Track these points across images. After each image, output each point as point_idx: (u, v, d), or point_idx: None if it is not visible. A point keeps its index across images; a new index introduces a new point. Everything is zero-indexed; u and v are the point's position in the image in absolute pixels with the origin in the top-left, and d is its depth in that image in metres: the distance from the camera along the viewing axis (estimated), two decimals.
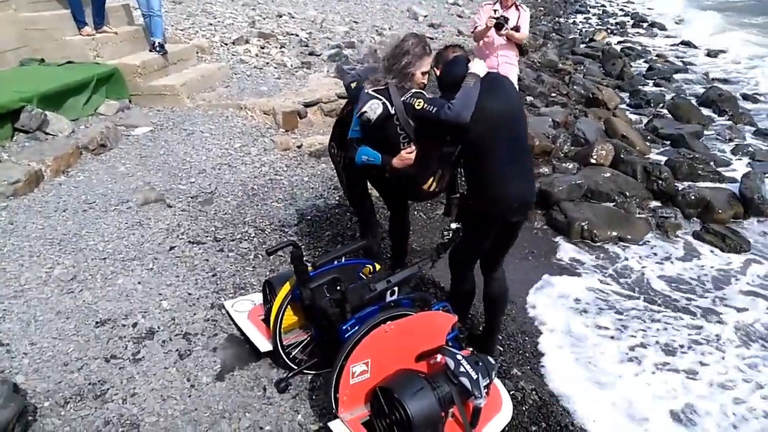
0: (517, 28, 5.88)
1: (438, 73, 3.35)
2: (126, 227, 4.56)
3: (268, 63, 8.92)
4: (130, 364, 3.22)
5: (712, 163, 7.72)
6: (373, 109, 3.24)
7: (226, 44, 9.39)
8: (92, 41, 7.04)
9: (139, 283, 3.92)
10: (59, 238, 4.31)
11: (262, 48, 9.52)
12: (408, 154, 3.27)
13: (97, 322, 3.52)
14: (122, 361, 3.25)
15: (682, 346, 4.36)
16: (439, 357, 2.87)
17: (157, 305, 3.72)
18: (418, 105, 3.13)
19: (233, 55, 9.05)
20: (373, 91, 3.30)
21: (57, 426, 2.80)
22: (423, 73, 3.32)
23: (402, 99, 3.23)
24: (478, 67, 3.11)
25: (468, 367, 2.72)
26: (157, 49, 7.38)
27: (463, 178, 3.37)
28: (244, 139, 6.44)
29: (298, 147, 6.50)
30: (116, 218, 4.67)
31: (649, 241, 5.95)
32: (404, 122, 3.25)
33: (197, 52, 8.51)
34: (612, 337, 4.43)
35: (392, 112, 3.24)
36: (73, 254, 4.15)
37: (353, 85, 3.53)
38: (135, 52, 7.48)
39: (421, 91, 3.28)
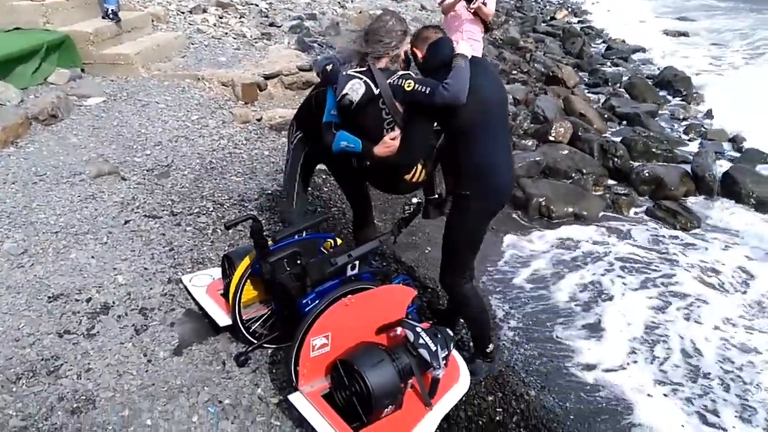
0: (485, 3, 5.86)
1: (420, 55, 3.09)
2: (79, 200, 4.43)
3: (226, 33, 8.71)
4: (84, 340, 3.15)
5: (666, 142, 7.91)
6: (355, 89, 2.99)
7: (183, 13, 9.13)
8: (41, 7, 6.74)
9: (92, 257, 3.82)
10: (8, 211, 4.17)
11: (221, 18, 9.29)
12: (392, 141, 3.04)
13: (49, 297, 3.43)
14: (76, 336, 3.17)
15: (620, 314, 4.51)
16: (399, 330, 2.89)
17: (112, 280, 3.64)
18: (408, 86, 2.84)
19: (190, 24, 8.80)
20: (352, 72, 3.06)
21: (8, 402, 2.73)
22: (404, 53, 3.16)
23: (388, 81, 2.99)
24: (464, 48, 2.97)
25: (427, 339, 2.76)
26: (111, 16, 7.12)
27: (442, 177, 3.28)
28: (201, 111, 6.30)
29: (258, 120, 6.39)
30: (68, 191, 4.53)
31: (603, 217, 6.09)
32: (390, 105, 3.03)
33: (152, 21, 8.24)
34: (568, 312, 4.54)
35: (376, 93, 3.02)
36: (24, 228, 4.02)
37: (329, 67, 3.19)
38: (87, 19, 7.20)
39: (409, 72, 3.09)
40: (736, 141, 8.36)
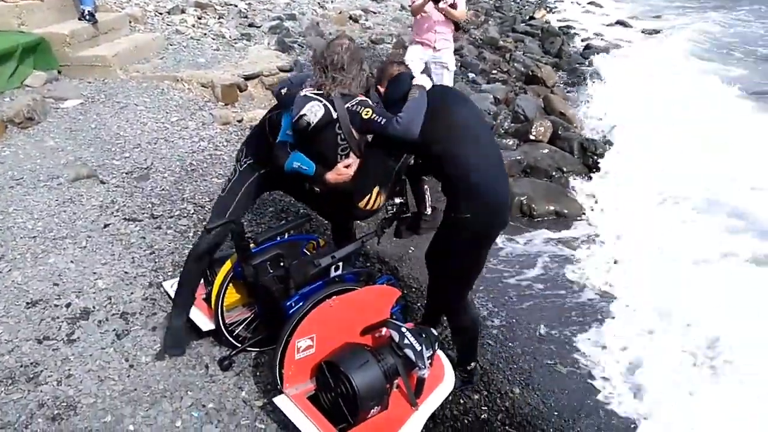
0: (454, 5, 5.86)
1: (382, 90, 3.09)
2: (57, 204, 4.36)
3: (205, 34, 8.62)
4: (64, 345, 3.11)
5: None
6: (314, 111, 2.85)
7: (161, 14, 9.02)
8: (15, 8, 6.60)
9: (72, 262, 3.77)
10: None
11: (199, 18, 9.19)
12: (345, 168, 2.95)
13: (28, 303, 3.37)
14: (56, 342, 3.13)
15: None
16: (383, 330, 2.90)
17: (92, 285, 3.59)
18: (365, 114, 2.83)
19: (168, 25, 8.70)
20: (311, 94, 2.94)
21: None
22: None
23: (346, 106, 2.89)
24: (423, 80, 2.97)
25: (412, 339, 2.76)
26: (87, 17, 7.00)
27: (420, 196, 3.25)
28: (181, 113, 6.24)
29: (239, 121, 6.34)
30: (46, 195, 4.46)
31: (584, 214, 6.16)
32: (347, 131, 2.90)
33: (130, 22, 8.13)
34: (553, 309, 4.57)
35: (334, 117, 2.88)
36: (0, 233, 3.95)
37: (284, 91, 3.09)
38: (63, 20, 7.06)
39: (367, 99, 3.01)
40: None
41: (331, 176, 2.95)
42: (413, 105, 2.82)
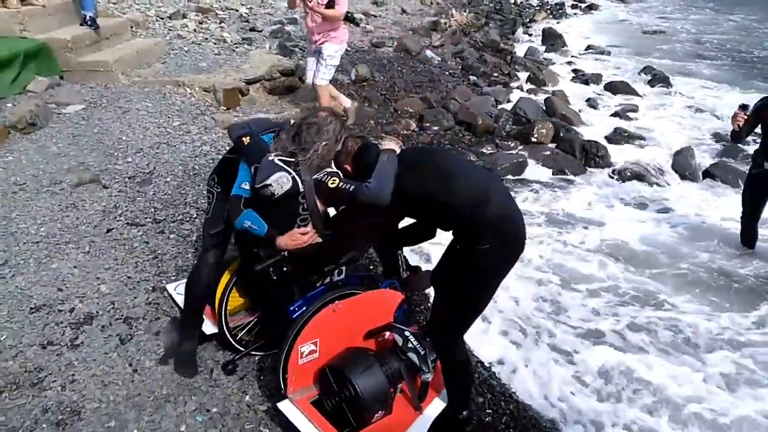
0: (331, 4, 5.78)
1: (350, 169, 2.94)
2: (59, 209, 4.37)
3: (207, 39, 8.66)
4: (68, 351, 3.11)
5: (647, 139, 8.01)
6: (281, 183, 2.75)
7: (162, 18, 9.06)
8: (18, 14, 6.64)
9: (75, 267, 3.77)
10: None
11: (201, 23, 9.23)
12: (301, 235, 2.82)
13: (31, 308, 3.37)
14: (60, 347, 3.13)
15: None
16: (387, 334, 2.90)
17: (95, 290, 3.59)
18: (332, 184, 2.74)
19: (170, 30, 8.74)
20: (279, 161, 2.81)
21: None
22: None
23: (314, 177, 2.82)
24: (390, 144, 2.87)
25: (416, 343, 2.76)
26: (89, 23, 7.04)
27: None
28: (183, 117, 6.25)
29: None
30: (49, 200, 4.47)
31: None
32: (311, 203, 2.82)
33: (131, 27, 8.16)
34: (558, 311, 4.57)
35: (301, 189, 2.80)
36: (4, 238, 3.96)
37: (245, 140, 2.94)
38: (65, 26, 7.11)
39: (336, 170, 2.92)
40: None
41: (283, 241, 2.81)
42: (382, 169, 2.70)
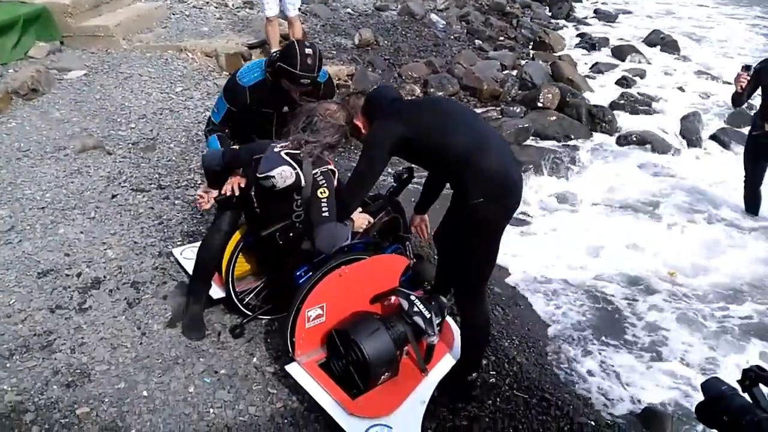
0: None
1: (361, 125, 2.91)
2: (64, 175, 4.37)
3: (208, 2, 8.50)
4: (76, 314, 3.14)
5: (653, 104, 7.92)
6: (284, 177, 2.73)
7: None
8: None
9: (81, 232, 3.78)
10: None
11: None
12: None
13: (39, 273, 3.39)
14: (68, 311, 3.16)
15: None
16: (393, 298, 2.91)
17: (102, 254, 3.61)
18: (321, 193, 2.74)
19: None
20: (285, 154, 2.79)
21: (3, 378, 2.72)
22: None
23: (314, 172, 2.78)
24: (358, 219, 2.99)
25: (421, 306, 2.78)
26: None
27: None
28: (185, 83, 6.19)
29: None
30: (53, 166, 4.46)
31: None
32: (305, 196, 2.80)
33: None
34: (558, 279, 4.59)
35: (303, 184, 2.78)
36: (9, 204, 3.97)
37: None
38: None
39: (334, 171, 2.87)
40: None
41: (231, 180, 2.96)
42: (341, 229, 2.80)
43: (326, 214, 2.73)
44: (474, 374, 3.05)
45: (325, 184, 2.76)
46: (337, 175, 2.91)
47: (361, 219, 3.02)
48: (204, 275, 3.16)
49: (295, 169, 2.76)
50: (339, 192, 2.85)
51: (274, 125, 3.42)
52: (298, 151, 2.80)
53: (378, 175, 2.81)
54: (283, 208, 2.86)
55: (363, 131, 2.92)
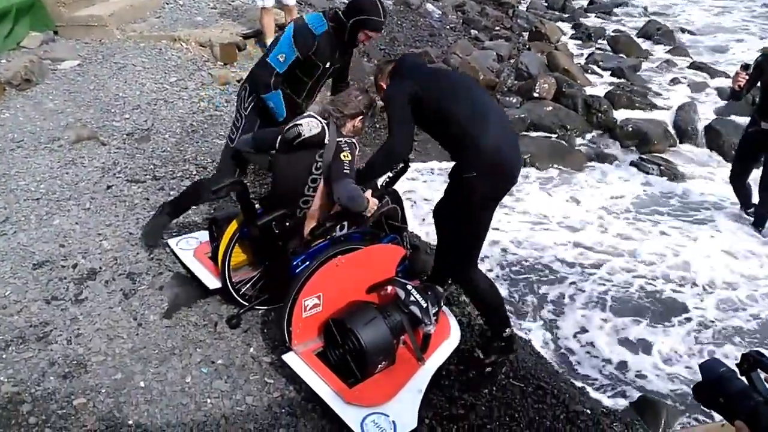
0: None
1: (384, 84, 3.06)
2: (59, 166, 4.35)
3: None
4: (72, 305, 3.13)
5: (649, 95, 7.91)
6: (311, 126, 2.87)
7: None
8: None
9: (76, 223, 3.77)
10: None
11: None
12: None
13: (34, 264, 3.39)
14: (64, 302, 3.15)
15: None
16: (389, 288, 2.91)
17: (98, 245, 3.60)
18: (344, 156, 2.84)
19: None
20: (314, 112, 3.01)
21: None
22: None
23: (338, 139, 2.92)
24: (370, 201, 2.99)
25: (418, 296, 2.78)
26: None
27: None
28: (180, 73, 6.15)
29: (239, 81, 6.24)
30: (48, 157, 4.44)
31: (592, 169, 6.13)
32: (326, 161, 2.90)
33: None
34: (557, 268, 4.60)
35: (326, 141, 2.90)
36: (4, 195, 3.95)
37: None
38: None
39: (356, 144, 2.99)
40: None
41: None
42: (358, 190, 2.84)
43: (347, 171, 2.83)
44: (507, 330, 3.21)
45: (348, 150, 2.89)
46: (358, 149, 3.00)
47: (373, 201, 3.03)
48: (192, 200, 3.58)
49: (322, 122, 2.92)
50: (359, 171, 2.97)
51: (311, 82, 3.53)
52: (326, 117, 2.99)
53: (409, 118, 2.84)
54: (302, 172, 2.94)
55: (385, 88, 3.06)
